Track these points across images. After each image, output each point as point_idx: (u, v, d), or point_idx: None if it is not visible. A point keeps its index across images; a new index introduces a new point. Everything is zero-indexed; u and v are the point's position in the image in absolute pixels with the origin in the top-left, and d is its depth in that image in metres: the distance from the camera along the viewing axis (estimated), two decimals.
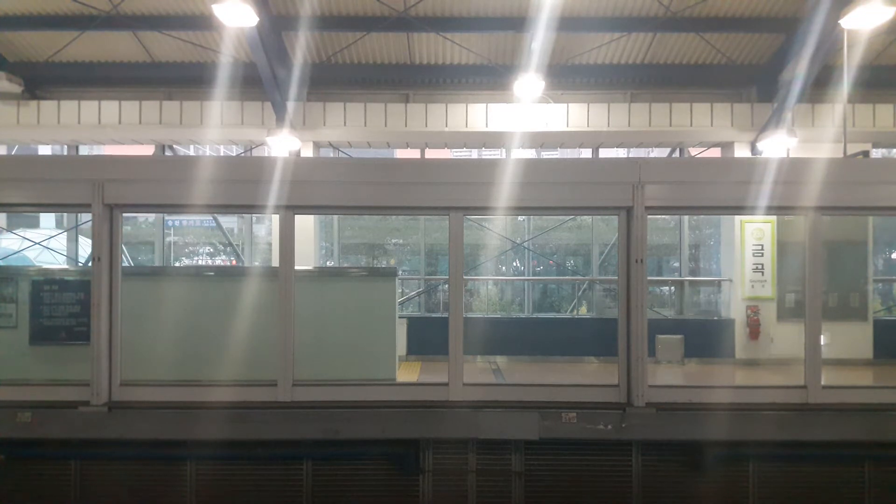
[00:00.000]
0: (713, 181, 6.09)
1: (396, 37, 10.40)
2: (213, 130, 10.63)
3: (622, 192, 5.92)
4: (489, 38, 10.43)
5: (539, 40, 9.22)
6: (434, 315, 10.90)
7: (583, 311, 11.66)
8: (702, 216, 11.40)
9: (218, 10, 7.74)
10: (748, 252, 9.06)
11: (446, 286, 6.75)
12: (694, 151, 11.59)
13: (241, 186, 5.96)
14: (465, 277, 7.53)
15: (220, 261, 14.80)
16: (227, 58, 10.29)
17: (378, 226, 12.81)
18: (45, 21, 10.00)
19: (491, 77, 10.80)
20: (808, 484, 6.17)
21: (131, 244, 13.56)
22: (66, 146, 11.74)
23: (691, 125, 10.59)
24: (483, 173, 6.00)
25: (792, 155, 10.27)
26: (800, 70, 9.45)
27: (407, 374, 7.64)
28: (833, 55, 9.29)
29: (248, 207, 7.06)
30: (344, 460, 6.21)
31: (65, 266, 11.46)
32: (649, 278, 8.99)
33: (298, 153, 10.59)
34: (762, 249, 9.03)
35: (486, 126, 10.66)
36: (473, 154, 20.13)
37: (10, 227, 13.01)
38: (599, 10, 9.84)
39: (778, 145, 10.08)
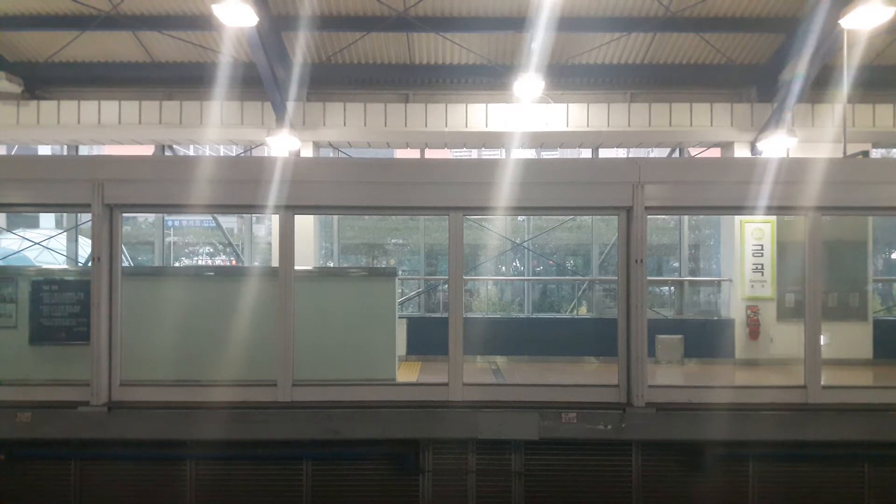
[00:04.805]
0: (713, 181, 6.08)
1: (396, 37, 10.40)
2: (213, 130, 10.64)
3: (622, 192, 5.92)
4: (489, 38, 10.43)
5: (539, 40, 9.22)
6: (434, 315, 10.90)
7: (583, 311, 11.66)
8: (702, 216, 11.40)
9: (218, 10, 7.75)
10: (748, 252, 9.06)
11: (446, 286, 6.75)
12: (694, 151, 11.60)
13: (241, 186, 5.96)
14: (465, 277, 7.53)
15: (220, 261, 14.80)
16: (227, 58, 10.29)
17: (378, 226, 12.81)
18: (45, 21, 10.00)
19: (491, 77, 10.81)
20: (808, 484, 6.17)
21: (131, 244, 13.56)
22: (66, 146, 11.74)
23: (691, 125, 10.60)
24: (483, 173, 6.00)
25: (792, 155, 10.28)
26: (800, 70, 9.45)
27: (407, 374, 7.64)
28: (833, 55, 9.29)
29: (248, 207, 7.06)
30: (344, 460, 6.21)
31: (65, 266, 11.46)
32: (649, 278, 8.99)
33: (298, 153, 10.59)
34: (762, 249, 9.02)
35: (486, 126, 10.66)
36: (473, 154, 20.16)
37: (10, 227, 13.00)
38: (599, 10, 9.84)
39: (778, 145, 10.08)
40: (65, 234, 12.24)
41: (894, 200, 6.05)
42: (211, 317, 6.28)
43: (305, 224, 10.22)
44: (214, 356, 6.09)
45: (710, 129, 10.63)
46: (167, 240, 12.90)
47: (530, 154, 13.24)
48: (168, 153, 11.74)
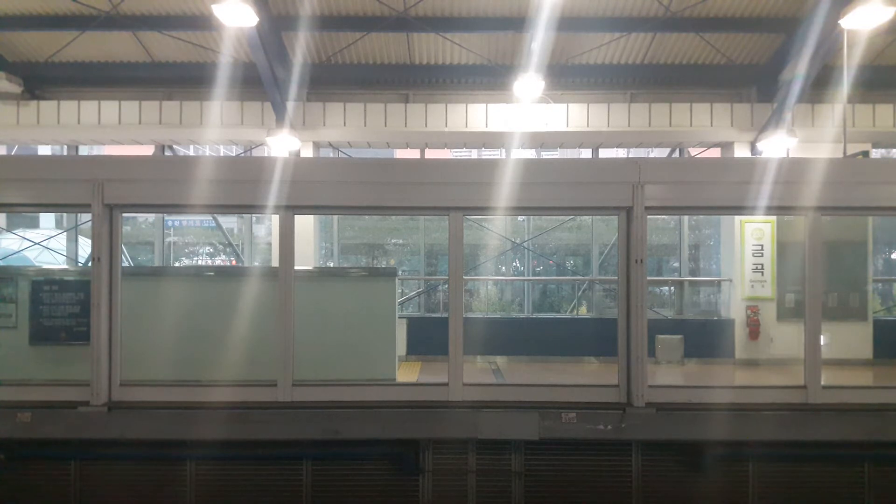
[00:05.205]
0: (713, 181, 6.09)
1: (396, 37, 10.40)
2: (213, 130, 10.63)
3: (622, 192, 5.92)
4: (489, 38, 10.43)
5: (539, 40, 9.22)
6: (434, 315, 10.90)
7: (583, 311, 11.66)
8: (702, 216, 11.40)
9: (218, 10, 7.75)
10: (748, 252, 9.06)
11: (446, 286, 6.75)
12: (694, 151, 11.59)
13: (241, 186, 5.96)
14: (464, 277, 7.53)
15: (220, 261, 14.80)
16: (227, 58, 10.29)
17: (378, 226, 12.80)
18: (45, 21, 10.00)
19: (491, 77, 10.81)
20: (808, 484, 6.18)
21: (131, 244, 13.56)
22: (66, 146, 11.74)
23: (691, 125, 10.60)
24: (483, 173, 6.00)
25: (792, 155, 10.28)
26: (800, 70, 9.45)
27: (407, 374, 7.65)
28: (833, 55, 9.29)
29: (248, 207, 7.07)
30: (344, 460, 6.21)
31: (65, 266, 11.46)
32: (649, 278, 8.99)
33: (298, 153, 10.59)
34: (762, 249, 9.02)
35: (486, 126, 10.66)
36: (473, 154, 20.16)
37: (10, 227, 13.00)
38: (599, 10, 9.84)
39: (778, 145, 10.08)
40: (65, 234, 12.24)
41: (894, 200, 6.05)
42: (211, 317, 6.28)
43: (305, 224, 10.21)
44: (214, 356, 6.09)
45: (710, 129, 10.63)
46: (167, 240, 12.90)
47: (530, 154, 13.24)
48: (168, 153, 11.73)
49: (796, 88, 9.55)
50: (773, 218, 8.91)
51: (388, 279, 6.96)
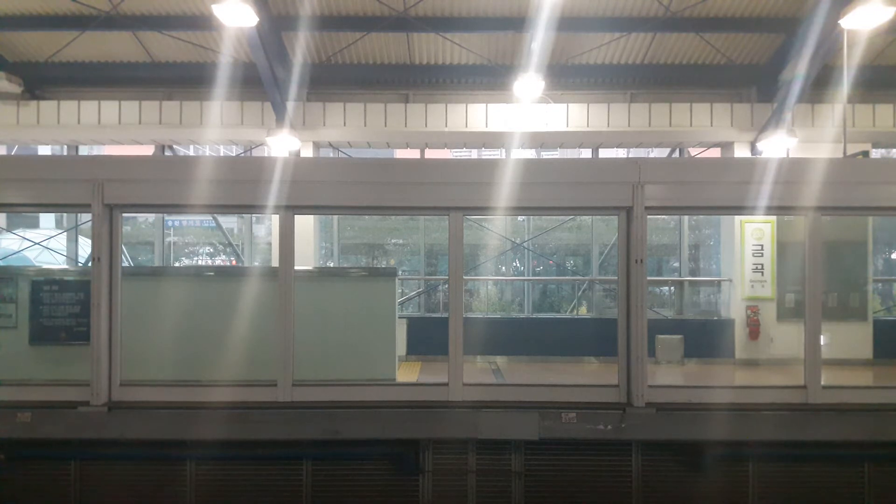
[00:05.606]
0: (713, 181, 6.09)
1: (396, 37, 10.40)
2: (213, 130, 10.63)
3: (622, 192, 5.92)
4: (489, 38, 10.43)
5: (539, 40, 9.22)
6: (434, 315, 10.90)
7: (583, 311, 11.66)
8: (702, 216, 11.40)
9: (218, 10, 7.75)
10: (748, 252, 9.06)
11: (446, 286, 6.75)
12: (694, 151, 11.59)
13: (241, 186, 5.96)
14: (464, 277, 7.53)
15: (220, 261, 14.80)
16: (227, 58, 10.29)
17: (378, 226, 12.81)
18: (45, 21, 10.00)
19: (491, 77, 10.80)
20: (808, 484, 6.18)
21: (131, 244, 13.56)
22: (65, 146, 11.74)
23: (691, 125, 10.60)
24: (483, 173, 6.00)
25: (792, 155, 10.28)
26: (800, 70, 9.45)
27: (407, 374, 7.65)
28: (833, 55, 9.29)
29: (248, 207, 7.07)
30: (344, 460, 6.21)
31: (65, 266, 11.46)
32: (649, 278, 8.99)
33: (298, 153, 10.59)
34: (762, 249, 9.03)
35: (486, 126, 10.66)
36: (473, 154, 20.17)
37: (10, 227, 13.00)
38: (599, 10, 9.84)
39: (778, 145, 10.08)
40: (65, 234, 12.24)
41: (894, 200, 6.06)
42: (211, 317, 6.28)
43: (305, 224, 10.21)
44: (214, 356, 6.09)
45: (710, 129, 10.63)
46: (167, 240, 12.90)
47: (530, 154, 13.24)
48: (168, 153, 11.73)
49: (796, 88, 9.54)
50: (773, 218, 8.91)
51: (388, 279, 6.96)
